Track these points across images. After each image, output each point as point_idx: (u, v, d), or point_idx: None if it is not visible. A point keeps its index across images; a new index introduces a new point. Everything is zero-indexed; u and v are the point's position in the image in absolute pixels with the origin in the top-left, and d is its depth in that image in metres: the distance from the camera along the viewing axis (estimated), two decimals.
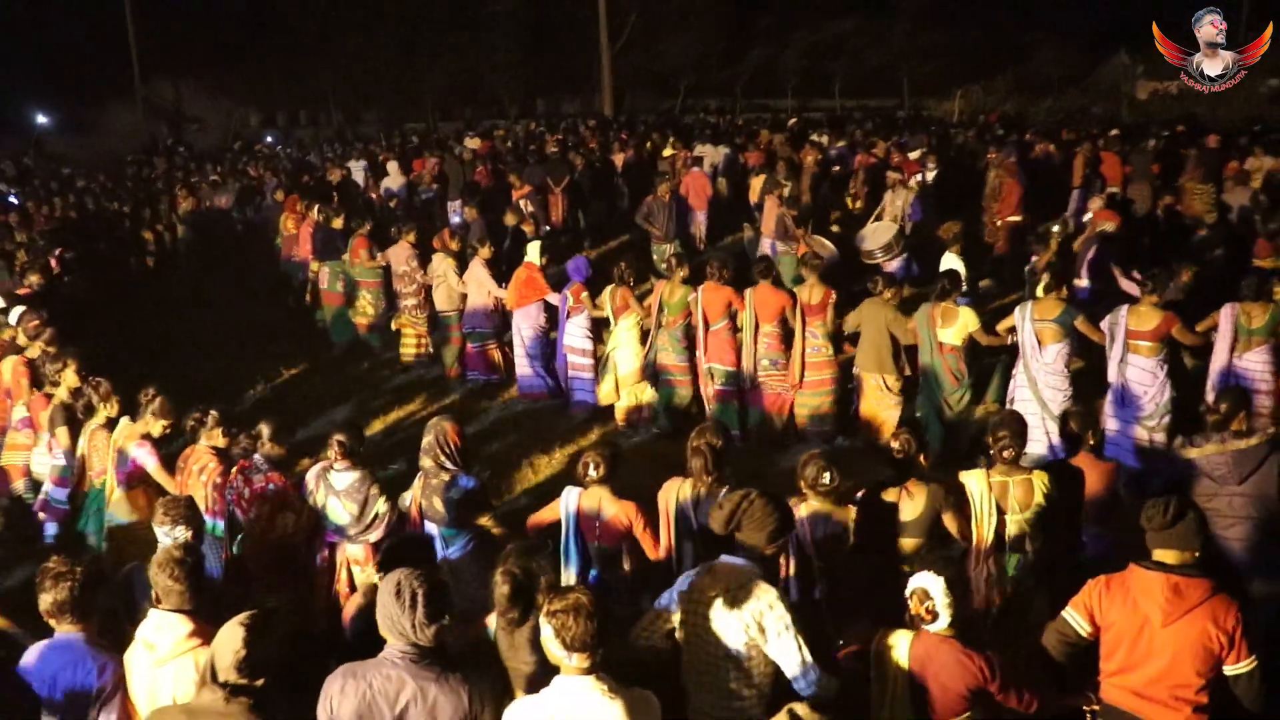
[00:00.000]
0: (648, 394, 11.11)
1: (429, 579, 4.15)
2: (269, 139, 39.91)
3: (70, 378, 8.51)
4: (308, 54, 50.98)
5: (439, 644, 4.11)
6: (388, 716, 4.04)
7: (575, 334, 11.55)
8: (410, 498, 6.86)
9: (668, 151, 21.18)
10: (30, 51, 48.24)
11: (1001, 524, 6.32)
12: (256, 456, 7.05)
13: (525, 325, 12.03)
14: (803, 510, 6.24)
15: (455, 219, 16.31)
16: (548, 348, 12.10)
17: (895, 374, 10.00)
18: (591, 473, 6.42)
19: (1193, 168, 17.40)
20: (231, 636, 4.03)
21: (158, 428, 7.61)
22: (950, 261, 11.91)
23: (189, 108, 58.04)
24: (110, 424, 7.94)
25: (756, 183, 17.53)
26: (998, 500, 6.32)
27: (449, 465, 6.65)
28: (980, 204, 17.54)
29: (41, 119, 38.38)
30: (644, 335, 11.18)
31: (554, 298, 11.80)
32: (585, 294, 11.46)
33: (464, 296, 12.60)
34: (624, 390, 11.18)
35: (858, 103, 51.19)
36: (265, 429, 7.12)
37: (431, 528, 6.72)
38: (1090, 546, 6.83)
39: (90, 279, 13.80)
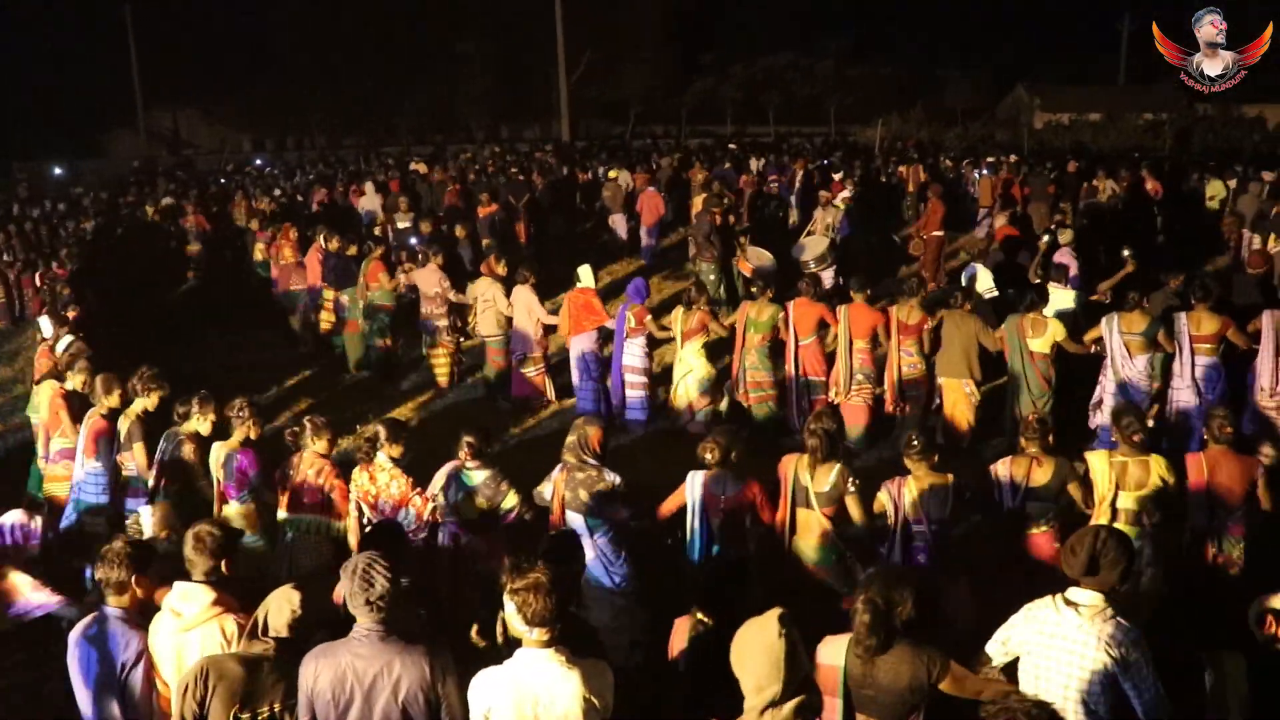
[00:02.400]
0: (708, 407, 10.55)
1: (379, 558, 4.11)
2: (258, 162, 39.43)
3: (152, 401, 7.70)
4: (295, 85, 50.98)
5: (390, 612, 4.05)
6: (357, 689, 4.02)
7: (635, 354, 10.77)
8: (550, 490, 6.71)
9: (613, 174, 21.10)
10: (43, 83, 47.67)
11: (1117, 499, 6.41)
12: (380, 456, 6.80)
13: (587, 348, 11.10)
14: (911, 482, 6.33)
15: (413, 240, 15.66)
16: (602, 368, 11.14)
17: (979, 378, 9.87)
18: (708, 456, 6.39)
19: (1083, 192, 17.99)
20: (290, 598, 4.19)
21: (255, 431, 7.15)
22: (978, 271, 11.93)
23: (187, 134, 57.58)
24: (197, 438, 7.33)
25: (699, 201, 17.55)
26: (1117, 478, 6.41)
27: (591, 463, 6.53)
28: (901, 220, 17.90)
29: (57, 170, 37.50)
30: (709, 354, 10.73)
31: (610, 323, 11.06)
32: (649, 317, 10.77)
33: (510, 320, 11.57)
34: (698, 409, 10.56)
35: (790, 129, 51.56)
36: (382, 430, 6.86)
37: (575, 517, 6.57)
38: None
39: (101, 294, 13.26)
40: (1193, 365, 9.11)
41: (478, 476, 6.66)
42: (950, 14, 58.15)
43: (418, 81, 51.86)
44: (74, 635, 4.70)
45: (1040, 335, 9.49)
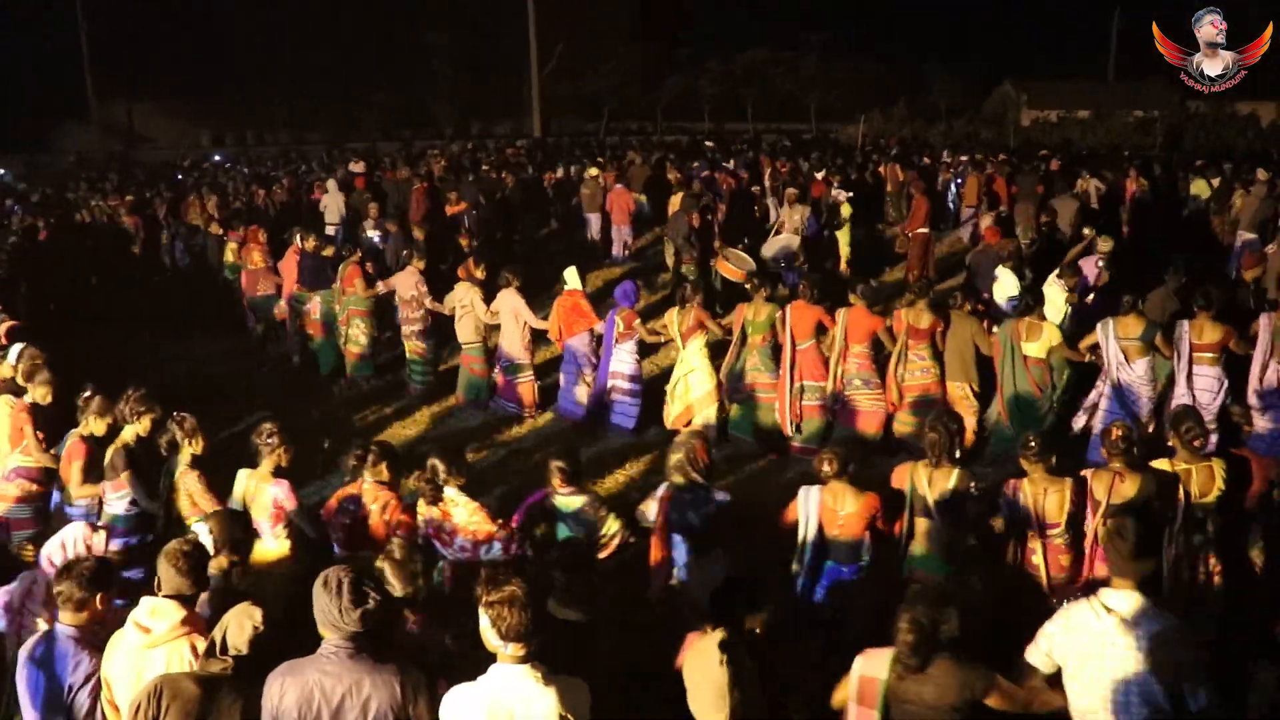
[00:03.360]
0: (713, 413, 10.32)
1: (355, 571, 4.09)
2: (216, 157, 39.12)
3: (144, 426, 7.12)
4: (256, 77, 50.74)
5: (367, 629, 4.01)
6: (324, 708, 3.97)
7: (625, 359, 10.62)
8: (654, 510, 6.36)
9: (592, 171, 21.02)
10: None
11: (1188, 507, 6.36)
12: (449, 490, 6.32)
13: (578, 353, 10.93)
14: (1026, 486, 6.29)
15: (375, 236, 15.38)
16: (594, 372, 10.95)
17: (976, 381, 9.76)
18: (826, 468, 6.24)
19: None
20: (251, 614, 4.12)
21: (285, 459, 6.67)
22: (1003, 275, 11.81)
23: (143, 128, 57.14)
24: (197, 461, 6.83)
25: (675, 199, 17.49)
26: (1184, 485, 6.37)
27: (700, 481, 6.25)
28: (882, 218, 17.92)
29: (1, 171, 37.11)
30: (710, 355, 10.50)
31: (600, 326, 10.82)
32: (638, 320, 10.65)
33: (491, 328, 11.35)
34: (698, 413, 10.28)
35: (769, 126, 51.65)
36: (440, 464, 6.33)
37: (681, 540, 6.28)
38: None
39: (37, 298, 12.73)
40: (1189, 373, 9.04)
41: (573, 503, 6.29)
42: (936, 9, 58.47)
43: (384, 75, 51.71)
44: (23, 654, 4.63)
45: (1035, 340, 9.39)
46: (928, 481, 6.32)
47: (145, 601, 4.54)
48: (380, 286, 12.22)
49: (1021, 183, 18.48)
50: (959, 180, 20.85)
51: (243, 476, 6.64)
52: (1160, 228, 16.62)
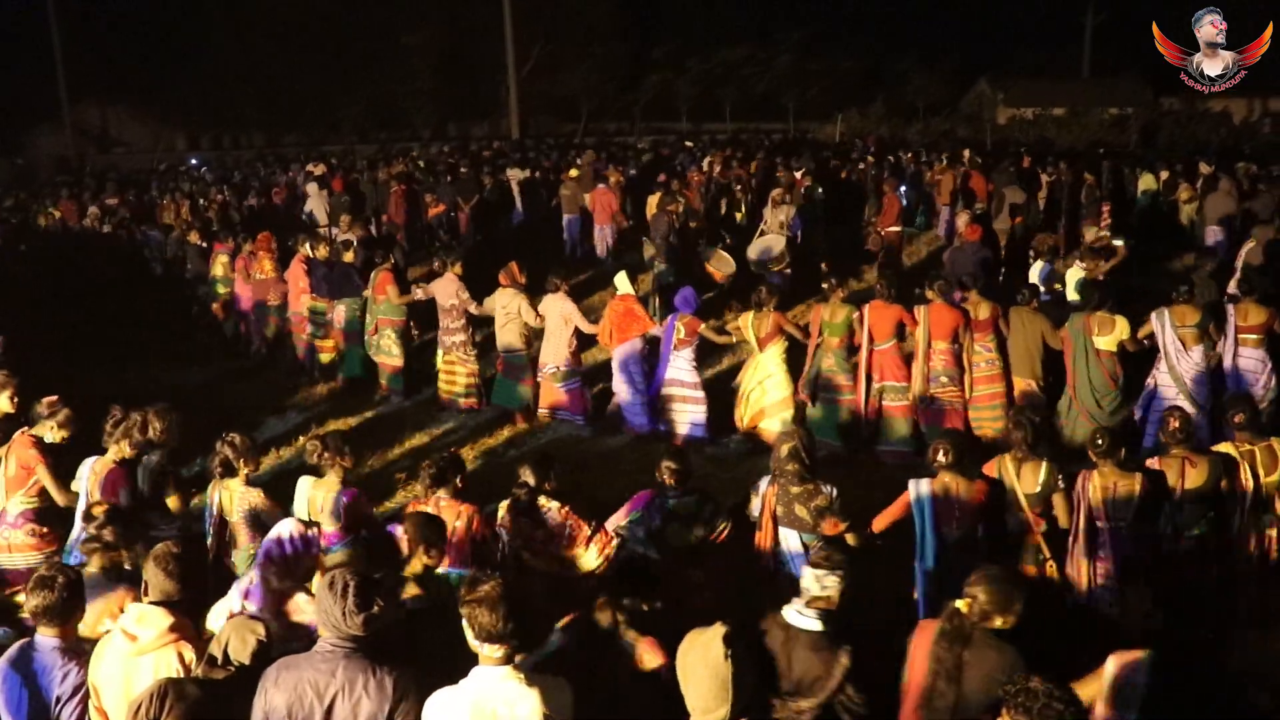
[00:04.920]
0: (789, 416, 10.17)
1: (361, 574, 4.10)
2: (193, 161, 38.93)
3: (171, 441, 6.95)
4: (230, 80, 50.51)
5: (369, 633, 4.01)
6: (317, 707, 3.96)
7: (684, 366, 10.43)
8: (757, 507, 6.36)
9: (573, 172, 21.13)
10: None
11: (1258, 486, 6.53)
12: (541, 499, 6.25)
13: (630, 359, 10.70)
14: (1096, 479, 6.38)
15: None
16: (647, 379, 10.79)
17: (1042, 376, 9.92)
18: (941, 458, 6.26)
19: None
20: (252, 628, 4.32)
21: (348, 462, 6.52)
22: (1039, 271, 12.13)
23: (116, 131, 56.78)
24: (251, 483, 6.57)
25: (653, 199, 17.62)
26: (1249, 467, 6.54)
27: (808, 474, 6.18)
28: (860, 217, 18.16)
29: None
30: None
31: (656, 330, 10.68)
32: (703, 325, 10.56)
33: (534, 333, 11.10)
34: (772, 417, 10.18)
35: (746, 126, 51.80)
36: (531, 472, 6.27)
37: (790, 534, 6.21)
38: None
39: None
40: (1235, 354, 9.46)
41: (688, 503, 6.27)
42: (912, 6, 58.79)
43: (360, 76, 51.55)
44: (1, 665, 4.50)
45: (1108, 333, 9.57)
46: (1016, 476, 6.43)
47: (132, 608, 4.52)
48: (417, 293, 11.84)
49: (996, 180, 18.77)
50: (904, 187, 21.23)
51: (305, 485, 6.54)
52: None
